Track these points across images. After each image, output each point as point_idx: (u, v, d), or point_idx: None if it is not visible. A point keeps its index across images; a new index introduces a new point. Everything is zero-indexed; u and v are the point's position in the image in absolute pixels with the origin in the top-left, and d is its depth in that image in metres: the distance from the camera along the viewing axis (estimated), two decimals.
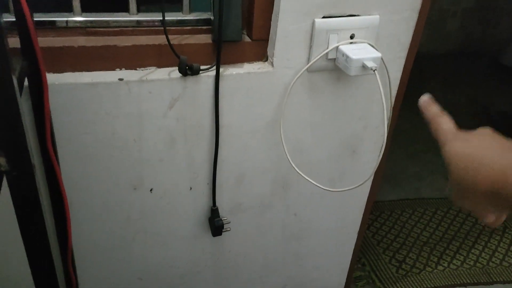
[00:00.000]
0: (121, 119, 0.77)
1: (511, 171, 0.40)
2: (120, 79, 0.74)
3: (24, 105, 0.67)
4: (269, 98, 0.84)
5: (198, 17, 0.80)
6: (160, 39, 0.76)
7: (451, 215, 1.87)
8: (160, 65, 0.77)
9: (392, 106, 0.92)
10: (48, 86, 0.66)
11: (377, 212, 1.85)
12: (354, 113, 0.92)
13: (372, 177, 1.02)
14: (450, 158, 0.45)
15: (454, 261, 1.65)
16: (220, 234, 0.94)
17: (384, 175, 1.09)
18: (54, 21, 0.74)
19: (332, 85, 0.86)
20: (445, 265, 1.63)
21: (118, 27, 0.76)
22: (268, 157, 0.91)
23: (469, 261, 1.66)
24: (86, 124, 0.75)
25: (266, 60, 0.82)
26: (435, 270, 1.61)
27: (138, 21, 0.77)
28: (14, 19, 0.62)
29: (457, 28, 3.48)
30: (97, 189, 0.82)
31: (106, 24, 0.76)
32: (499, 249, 1.72)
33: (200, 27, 0.80)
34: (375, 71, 0.75)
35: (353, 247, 1.16)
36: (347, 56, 0.77)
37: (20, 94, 0.53)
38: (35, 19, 0.60)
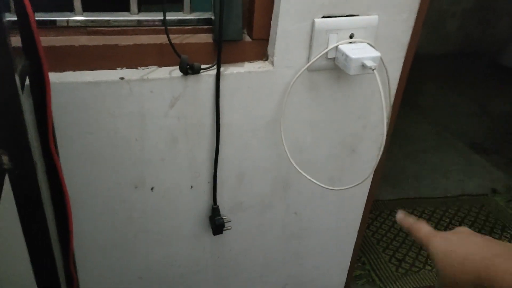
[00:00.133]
0: (123, 118, 0.77)
1: (494, 265, 0.42)
2: (121, 78, 0.74)
3: (25, 104, 0.67)
4: (270, 97, 0.84)
5: (199, 17, 0.80)
6: (161, 39, 0.76)
7: (450, 214, 1.87)
8: (161, 64, 0.78)
9: (391, 105, 0.93)
10: None
11: (376, 211, 1.86)
12: (354, 112, 0.93)
13: (371, 176, 1.02)
14: (435, 255, 0.48)
15: None
16: (221, 233, 0.94)
17: (383, 174, 1.09)
18: (55, 21, 0.74)
19: (332, 84, 0.87)
20: None
21: (119, 26, 0.76)
22: (269, 156, 0.91)
23: None
24: (87, 123, 0.76)
25: (267, 59, 0.83)
26: (434, 269, 1.61)
27: (139, 21, 0.77)
28: (15, 19, 0.62)
29: (457, 28, 3.49)
30: (98, 188, 0.83)
31: (107, 23, 0.76)
32: None
33: (201, 27, 0.80)
34: (374, 70, 0.75)
35: (353, 246, 1.17)
36: (347, 56, 0.77)
37: (22, 93, 0.53)
38: (36, 18, 0.60)
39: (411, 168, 2.15)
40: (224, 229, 0.93)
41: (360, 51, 0.78)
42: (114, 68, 0.76)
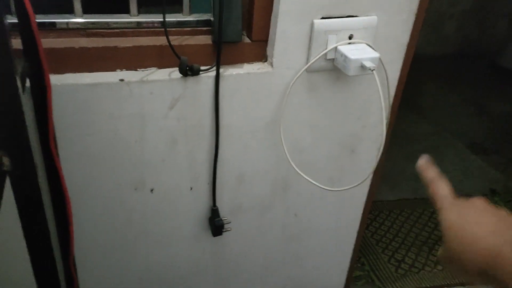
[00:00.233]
0: (123, 120, 0.77)
1: (501, 253, 0.41)
2: (121, 80, 0.74)
3: (26, 105, 0.68)
4: (269, 98, 0.84)
5: (198, 18, 0.81)
6: (161, 40, 0.76)
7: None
8: (160, 66, 0.78)
9: (391, 106, 0.93)
10: None
11: (376, 212, 1.86)
12: (353, 113, 0.93)
13: (371, 177, 1.03)
14: (446, 228, 0.46)
15: None
16: (221, 234, 0.94)
17: (383, 175, 1.09)
18: (55, 23, 0.74)
19: (331, 85, 0.87)
20: None
21: (119, 28, 0.77)
22: (268, 157, 0.91)
23: None
24: (87, 124, 0.76)
25: (266, 60, 0.83)
26: (434, 270, 1.61)
27: (138, 23, 0.78)
28: (15, 21, 0.62)
29: (455, 29, 3.50)
30: (98, 189, 0.83)
31: (107, 25, 0.76)
32: None
33: (200, 28, 0.81)
34: (374, 71, 0.76)
35: (352, 246, 1.17)
36: (346, 57, 0.78)
37: (22, 95, 0.53)
38: (36, 20, 0.60)
39: (411, 168, 2.15)
40: (223, 230, 0.93)
41: (359, 52, 0.78)
42: (114, 70, 0.76)
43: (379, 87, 0.76)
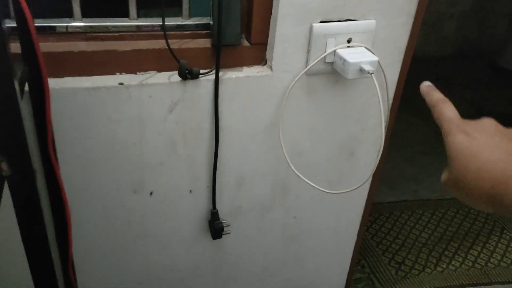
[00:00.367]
0: (122, 123, 0.77)
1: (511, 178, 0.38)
2: (120, 84, 0.74)
3: (24, 110, 0.68)
4: (268, 102, 0.84)
5: (197, 22, 0.81)
6: (160, 44, 0.76)
7: (449, 216, 1.88)
8: (160, 69, 0.78)
9: (390, 108, 0.93)
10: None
11: (375, 214, 1.86)
12: (352, 116, 0.93)
13: (370, 179, 1.03)
14: (452, 152, 0.43)
15: (453, 262, 1.66)
16: (220, 237, 0.94)
17: (382, 177, 1.09)
18: (54, 27, 0.74)
19: (330, 88, 0.87)
20: (444, 266, 1.64)
21: (118, 32, 0.77)
22: (267, 160, 0.91)
23: (468, 262, 1.66)
24: (86, 128, 0.76)
25: (265, 64, 0.83)
26: (434, 271, 1.61)
27: (138, 26, 0.78)
28: (14, 25, 0.62)
29: (455, 30, 3.50)
30: (97, 192, 0.83)
31: (106, 29, 0.76)
32: (497, 249, 1.73)
33: (199, 32, 0.81)
34: (372, 74, 0.76)
35: (352, 248, 1.17)
36: (345, 60, 0.78)
37: (21, 99, 0.53)
38: (35, 24, 0.60)
39: (410, 170, 2.15)
40: (223, 233, 0.93)
41: (358, 55, 0.78)
42: (113, 74, 0.76)
43: (378, 90, 0.76)
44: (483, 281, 1.60)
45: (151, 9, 0.82)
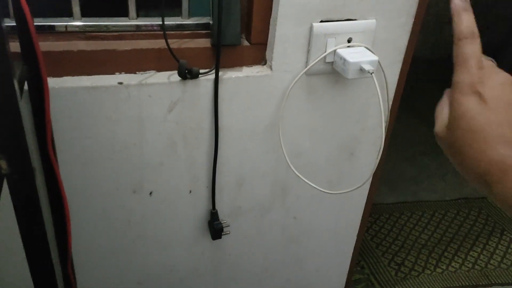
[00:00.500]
0: (121, 123, 0.77)
1: (510, 168, 0.35)
2: (120, 83, 0.74)
3: (24, 109, 0.67)
4: (268, 101, 0.84)
5: (197, 22, 0.81)
6: (160, 43, 0.76)
7: (449, 217, 1.87)
8: (159, 69, 0.78)
9: (390, 109, 0.93)
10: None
11: (375, 215, 1.86)
12: (352, 116, 0.93)
13: (370, 179, 1.02)
14: (457, 114, 0.39)
15: (453, 263, 1.66)
16: (220, 238, 0.94)
17: (382, 178, 1.09)
18: (53, 26, 0.74)
19: (330, 88, 0.87)
20: (444, 267, 1.64)
21: (118, 31, 0.77)
22: (267, 160, 0.91)
23: (468, 263, 1.66)
24: (86, 128, 0.76)
25: (265, 63, 0.83)
26: (433, 273, 1.61)
27: (137, 26, 0.78)
28: (14, 24, 0.62)
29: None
30: (96, 192, 0.82)
31: (106, 28, 0.76)
32: (497, 251, 1.72)
33: (199, 31, 0.81)
34: (373, 74, 0.76)
35: (352, 249, 1.17)
36: (345, 60, 0.78)
37: (20, 98, 0.53)
38: (35, 23, 0.60)
39: (410, 171, 2.15)
40: (223, 233, 0.93)
41: (358, 55, 0.78)
42: (113, 73, 0.76)
43: (378, 90, 0.76)
44: (483, 283, 1.59)
45: (151, 9, 0.82)
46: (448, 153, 0.40)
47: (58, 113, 0.72)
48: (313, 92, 0.87)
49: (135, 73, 0.77)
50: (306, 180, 0.87)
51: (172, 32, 0.79)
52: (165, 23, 0.73)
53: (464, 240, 1.77)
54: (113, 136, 0.78)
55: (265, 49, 0.82)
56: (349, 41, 0.81)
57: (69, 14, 0.75)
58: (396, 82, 0.92)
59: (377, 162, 0.86)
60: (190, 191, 0.89)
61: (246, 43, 0.82)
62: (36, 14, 0.61)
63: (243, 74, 0.81)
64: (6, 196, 0.53)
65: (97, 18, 0.76)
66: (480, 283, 1.59)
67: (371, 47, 0.83)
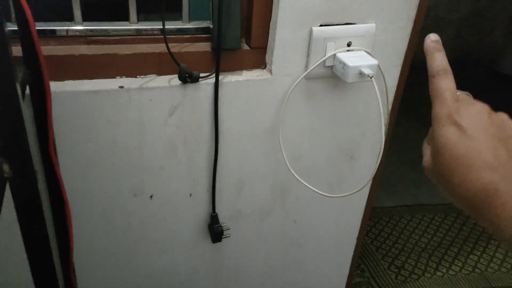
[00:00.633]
0: (122, 127, 0.78)
1: (500, 191, 0.36)
2: (121, 87, 0.75)
3: (26, 112, 0.68)
4: (268, 105, 0.85)
5: (197, 26, 0.81)
6: (160, 47, 0.77)
7: (449, 221, 1.88)
8: (160, 73, 0.78)
9: (389, 112, 0.94)
10: None
11: (375, 218, 1.86)
12: (352, 120, 0.93)
13: (370, 183, 1.03)
14: (439, 145, 0.40)
15: (453, 267, 1.66)
16: (220, 241, 0.94)
17: (382, 181, 1.09)
18: (54, 30, 0.75)
19: (329, 92, 0.88)
20: (444, 270, 1.64)
21: (119, 35, 0.77)
22: (267, 163, 0.91)
23: (468, 267, 1.66)
24: (87, 131, 0.76)
25: (265, 67, 0.83)
26: (434, 276, 1.61)
27: (138, 30, 0.78)
28: (15, 28, 0.63)
29: (453, 36, 3.52)
30: (97, 195, 0.83)
31: (107, 32, 0.77)
32: (497, 254, 1.73)
33: (199, 35, 0.81)
34: (372, 78, 0.76)
35: (352, 253, 1.17)
36: (344, 64, 0.78)
37: (22, 102, 0.53)
38: (36, 28, 0.61)
39: (410, 175, 2.15)
40: (223, 236, 0.93)
41: (358, 59, 0.79)
42: (114, 77, 0.76)
43: (378, 94, 0.76)
44: (483, 286, 1.59)
45: (151, 13, 0.83)
46: (436, 182, 0.41)
47: (59, 117, 0.73)
48: (312, 96, 0.87)
49: (136, 77, 0.77)
50: (306, 184, 0.87)
51: (173, 36, 0.80)
52: (165, 27, 0.74)
53: (464, 243, 1.77)
54: (114, 139, 0.78)
55: (265, 53, 0.83)
56: (348, 45, 0.82)
57: (70, 19, 0.75)
58: (395, 86, 0.93)
59: (377, 166, 0.86)
60: (191, 194, 0.90)
61: (246, 47, 0.82)
62: (37, 18, 0.61)
63: (243, 78, 0.81)
64: (8, 199, 0.54)
65: (98, 23, 0.77)
66: (480, 286, 1.59)
67: (371, 51, 0.83)
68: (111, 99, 0.75)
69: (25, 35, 0.60)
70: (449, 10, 3.41)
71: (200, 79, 0.78)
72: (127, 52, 0.75)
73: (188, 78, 0.77)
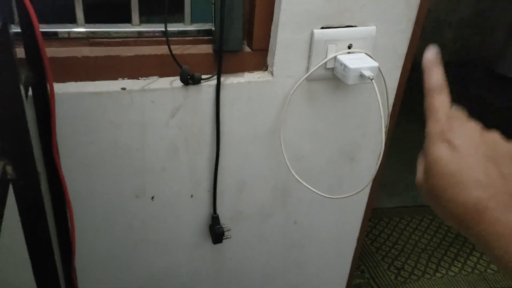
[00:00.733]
0: (124, 128, 0.78)
1: (489, 208, 0.37)
2: (123, 89, 0.75)
3: (28, 114, 0.68)
4: (269, 107, 0.85)
5: (199, 28, 0.82)
6: (162, 49, 0.77)
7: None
8: (162, 75, 0.79)
9: (390, 114, 0.94)
10: None
11: (375, 219, 1.86)
12: (352, 121, 0.93)
13: (370, 184, 1.03)
14: (431, 163, 0.41)
15: (452, 268, 1.66)
16: (221, 242, 0.94)
17: (382, 183, 1.10)
18: (57, 32, 0.75)
19: (330, 93, 0.88)
20: (443, 272, 1.64)
21: (121, 37, 0.77)
22: (268, 165, 0.92)
23: (467, 268, 1.66)
24: (89, 133, 0.76)
25: (266, 69, 0.84)
26: (433, 277, 1.62)
27: (140, 32, 0.78)
28: (18, 30, 0.63)
29: (453, 37, 3.52)
30: (99, 196, 0.83)
31: (109, 35, 0.77)
32: None
33: (201, 38, 0.82)
34: (373, 80, 0.76)
35: (352, 254, 1.17)
36: (345, 66, 0.78)
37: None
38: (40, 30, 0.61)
39: (410, 176, 2.16)
40: (224, 238, 0.94)
41: (358, 61, 0.79)
42: (116, 79, 0.76)
43: (378, 96, 0.77)
44: (483, 287, 1.60)
45: (153, 15, 0.83)
46: (427, 199, 0.42)
47: (61, 118, 0.73)
48: (314, 98, 0.87)
49: (138, 78, 0.78)
50: (307, 185, 0.88)
51: (175, 38, 0.80)
52: (167, 29, 0.74)
53: (463, 244, 1.78)
54: (116, 141, 0.79)
55: (267, 55, 0.83)
56: (349, 47, 0.82)
57: (73, 21, 0.76)
58: (396, 88, 0.93)
59: (377, 167, 0.87)
60: (192, 196, 0.90)
61: (247, 49, 0.83)
62: (40, 20, 0.62)
63: (245, 79, 0.81)
64: (12, 201, 0.54)
65: (100, 25, 0.77)
66: (480, 287, 1.59)
67: (371, 53, 0.83)
68: (113, 100, 0.75)
69: (29, 38, 0.60)
70: (449, 12, 3.41)
71: (202, 81, 0.78)
72: (129, 54, 0.76)
73: (190, 80, 0.77)
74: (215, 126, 0.83)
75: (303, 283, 1.17)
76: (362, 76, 0.77)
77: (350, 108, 0.91)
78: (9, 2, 0.65)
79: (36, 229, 0.58)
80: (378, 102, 0.77)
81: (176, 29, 0.81)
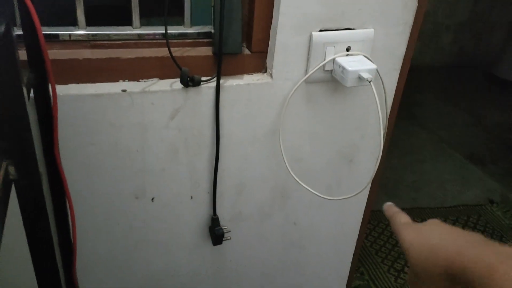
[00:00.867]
0: (124, 130, 0.78)
1: (467, 251, 0.41)
2: (123, 90, 0.76)
3: (30, 115, 0.69)
4: (268, 109, 0.86)
5: (199, 30, 0.82)
6: (162, 52, 0.78)
7: (448, 224, 1.88)
8: (162, 77, 0.79)
9: (388, 116, 0.95)
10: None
11: (375, 221, 1.86)
12: (351, 123, 0.94)
13: (369, 186, 1.04)
14: (406, 246, 0.47)
15: None
16: (221, 243, 0.95)
17: (381, 184, 1.10)
18: (58, 35, 0.76)
19: (329, 96, 0.89)
20: None
21: (122, 40, 0.78)
22: (268, 166, 0.92)
23: None
24: (89, 134, 0.77)
25: (265, 71, 0.85)
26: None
27: (141, 34, 0.79)
28: (20, 32, 0.64)
29: (451, 40, 3.54)
30: (99, 198, 0.84)
31: (110, 37, 0.78)
32: None
33: (201, 40, 0.82)
34: (371, 82, 0.77)
35: (351, 255, 1.17)
36: (344, 68, 0.79)
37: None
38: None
39: (409, 178, 2.16)
40: (223, 239, 0.94)
41: (357, 64, 0.80)
42: (117, 81, 0.77)
43: (377, 98, 0.77)
44: None
45: (154, 18, 0.84)
46: (416, 279, 0.47)
47: (62, 120, 0.74)
48: (312, 100, 0.88)
49: (138, 80, 0.78)
50: (306, 186, 0.88)
51: (175, 41, 0.81)
52: (167, 32, 0.75)
53: None
54: (116, 142, 0.79)
55: (266, 58, 0.84)
56: (347, 49, 0.83)
57: (74, 23, 0.76)
58: (394, 90, 0.94)
59: (376, 169, 0.87)
60: (192, 197, 0.90)
61: (247, 51, 0.83)
62: (41, 22, 0.62)
63: (244, 82, 0.82)
64: (13, 201, 0.55)
65: (101, 27, 0.78)
66: None
67: (370, 55, 0.84)
68: (114, 102, 0.76)
69: (31, 40, 0.61)
70: (447, 15, 3.43)
71: (201, 83, 0.79)
72: (129, 56, 0.76)
73: (189, 82, 0.78)
74: (214, 128, 0.83)
75: (303, 284, 1.17)
76: (360, 78, 0.78)
77: (349, 110, 0.92)
78: (11, 4, 0.65)
79: (38, 229, 0.58)
80: (377, 104, 0.78)
81: (176, 31, 0.81)
